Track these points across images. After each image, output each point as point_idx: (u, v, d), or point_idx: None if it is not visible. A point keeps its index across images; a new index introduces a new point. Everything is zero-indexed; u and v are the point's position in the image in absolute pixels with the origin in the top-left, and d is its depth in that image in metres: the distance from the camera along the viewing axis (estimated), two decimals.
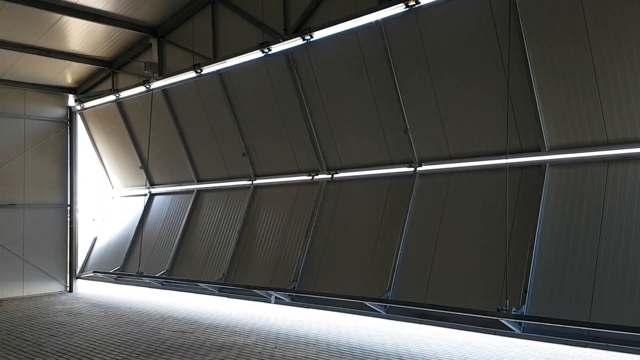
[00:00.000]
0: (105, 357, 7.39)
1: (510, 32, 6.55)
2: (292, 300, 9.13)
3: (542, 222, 6.62)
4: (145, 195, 13.35)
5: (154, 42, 11.40)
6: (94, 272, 13.32)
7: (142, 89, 11.72)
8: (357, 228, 8.66)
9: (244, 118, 10.38)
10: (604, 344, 5.83)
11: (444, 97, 7.62)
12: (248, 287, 9.41)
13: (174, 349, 7.75)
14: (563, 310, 6.13)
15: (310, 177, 9.69)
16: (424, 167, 8.16)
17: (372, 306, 7.76)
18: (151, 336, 8.61)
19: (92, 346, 8.05)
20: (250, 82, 10.01)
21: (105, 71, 12.97)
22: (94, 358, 7.38)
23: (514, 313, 6.20)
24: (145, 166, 12.97)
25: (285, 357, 7.24)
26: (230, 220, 10.87)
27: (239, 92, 10.27)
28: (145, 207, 13.14)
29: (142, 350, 7.72)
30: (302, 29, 8.61)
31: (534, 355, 7.20)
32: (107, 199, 14.70)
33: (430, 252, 7.56)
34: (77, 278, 13.92)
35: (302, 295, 8.89)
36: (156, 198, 13.17)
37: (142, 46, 11.82)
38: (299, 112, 9.32)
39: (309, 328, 9.09)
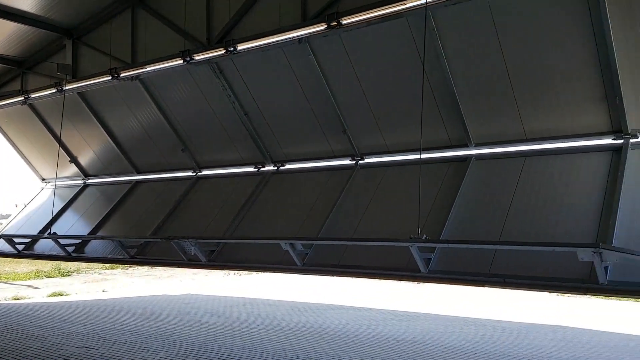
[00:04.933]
0: None
1: (428, 47, 6.93)
2: None
3: (457, 207, 7.11)
4: (78, 185, 12.87)
5: (68, 44, 10.90)
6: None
7: (53, 90, 11.16)
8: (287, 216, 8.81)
9: (175, 117, 10.26)
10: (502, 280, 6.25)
11: (375, 104, 8.08)
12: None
13: None
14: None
15: (256, 169, 9.89)
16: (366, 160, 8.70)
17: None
18: (52, 352, 8.11)
19: None
20: (176, 86, 9.87)
21: (14, 71, 12.24)
22: None
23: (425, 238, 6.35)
24: (74, 160, 12.54)
25: None
26: (158, 210, 10.57)
27: (165, 94, 10.10)
28: (73, 196, 12.63)
29: None
30: (225, 40, 8.58)
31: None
32: (37, 189, 13.89)
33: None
34: None
35: None
36: (89, 189, 12.70)
37: (56, 47, 11.28)
38: (235, 115, 9.39)
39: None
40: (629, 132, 6.45)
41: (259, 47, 8.43)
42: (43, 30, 10.59)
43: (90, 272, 22.36)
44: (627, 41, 6.02)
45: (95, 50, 10.57)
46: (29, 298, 15.14)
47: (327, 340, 10.21)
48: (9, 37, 10.90)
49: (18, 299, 14.92)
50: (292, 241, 7.54)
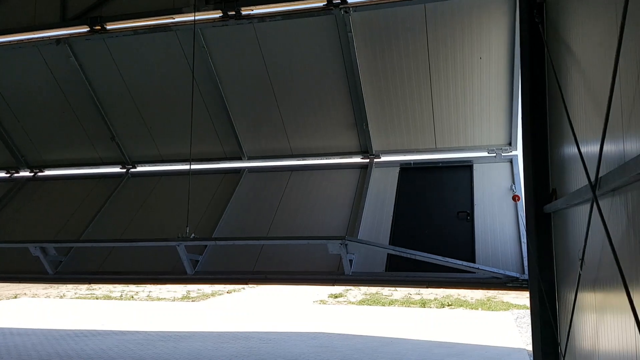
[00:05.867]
0: None
1: (200, 67, 6.96)
2: None
3: (228, 212, 7.40)
4: None
5: None
6: None
7: None
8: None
9: None
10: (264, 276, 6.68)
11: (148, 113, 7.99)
12: None
13: None
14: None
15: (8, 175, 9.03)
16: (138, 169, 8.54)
17: None
18: None
19: None
20: None
21: None
22: None
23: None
24: None
25: None
26: None
27: None
28: None
29: None
30: None
31: None
32: None
33: None
34: None
35: None
36: None
37: None
38: None
39: None
40: (374, 152, 7.59)
41: (10, 43, 7.51)
42: None
43: None
44: (372, 75, 6.98)
45: None
46: None
47: None
48: None
49: None
50: (44, 244, 6.87)
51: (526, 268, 5.73)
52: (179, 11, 6.65)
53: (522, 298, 17.87)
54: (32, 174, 8.94)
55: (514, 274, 5.76)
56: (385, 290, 19.43)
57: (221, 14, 6.58)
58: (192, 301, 18.94)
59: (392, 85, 7.06)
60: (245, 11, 6.55)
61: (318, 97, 7.35)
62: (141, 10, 6.82)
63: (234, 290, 21.70)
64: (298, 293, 20.47)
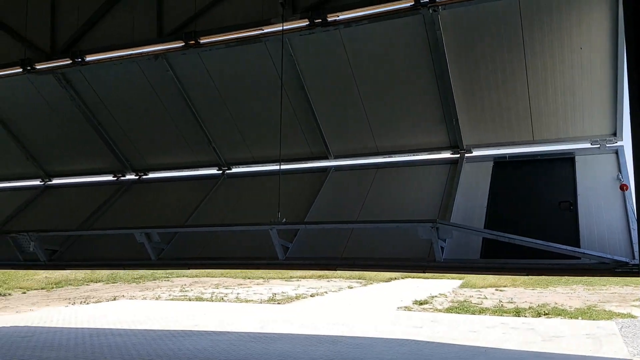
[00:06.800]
0: None
1: (288, 73, 7.21)
2: None
3: (316, 206, 7.65)
4: None
5: None
6: None
7: None
8: None
9: (17, 126, 9.63)
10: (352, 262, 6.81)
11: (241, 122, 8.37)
12: None
13: None
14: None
15: (115, 178, 9.73)
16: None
17: None
18: None
19: None
20: (15, 95, 9.11)
21: None
22: None
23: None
24: None
25: None
26: None
27: (2, 105, 9.35)
28: None
29: None
30: (72, 50, 8.00)
31: None
32: None
33: None
34: None
35: None
36: None
37: None
38: (87, 125, 9.03)
39: None
40: (465, 147, 7.45)
41: (111, 59, 8.04)
42: None
43: None
44: (461, 70, 6.82)
45: None
46: None
47: None
48: None
49: None
50: (149, 230, 7.39)
51: (636, 253, 5.48)
52: (268, 22, 6.80)
53: (626, 306, 16.83)
54: (137, 177, 9.66)
55: (623, 258, 5.46)
56: (475, 298, 18.87)
57: (308, 23, 6.65)
58: (278, 303, 19.46)
59: (484, 79, 6.87)
60: (331, 17, 6.57)
61: (404, 95, 7.31)
62: (232, 24, 7.04)
63: (317, 294, 22.06)
64: (381, 299, 20.36)
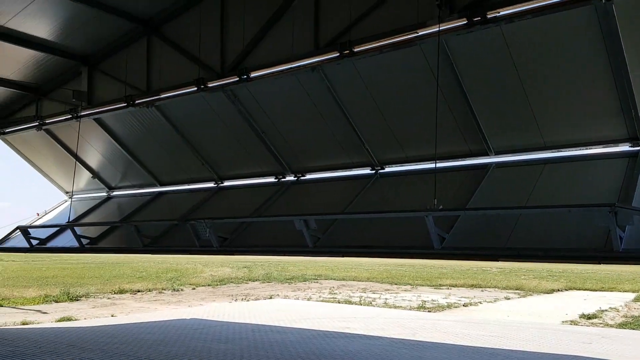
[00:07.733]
0: None
1: (443, 73, 7.15)
2: None
3: (475, 200, 7.48)
4: (101, 197, 13.55)
5: (84, 70, 11.08)
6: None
7: (68, 116, 11.34)
8: None
9: (193, 137, 10.77)
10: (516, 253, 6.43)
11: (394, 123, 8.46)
12: None
13: None
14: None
15: (276, 180, 10.49)
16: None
17: None
18: None
19: None
20: (191, 110, 10.24)
21: (29, 97, 12.42)
22: None
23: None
24: (97, 176, 13.21)
25: None
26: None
27: (181, 118, 10.52)
28: (95, 205, 13.37)
29: None
30: (239, 68, 8.71)
31: None
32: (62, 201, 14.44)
33: None
34: None
35: None
36: (112, 199, 13.41)
37: (71, 74, 11.46)
38: (252, 134, 9.81)
39: None
40: None
41: (272, 74, 8.58)
42: (60, 57, 10.80)
43: (99, 296, 22.32)
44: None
45: (111, 78, 10.75)
46: (37, 323, 15.05)
47: None
48: (26, 64, 11.09)
49: (26, 323, 14.83)
50: (307, 217, 7.76)
51: None
52: (423, 25, 6.75)
53: None
54: (295, 178, 10.34)
55: None
56: None
57: (466, 22, 6.47)
58: (428, 311, 19.15)
59: None
60: (490, 15, 6.33)
61: (574, 86, 6.81)
62: (386, 30, 7.13)
63: (471, 304, 21.37)
64: (543, 311, 19.12)
